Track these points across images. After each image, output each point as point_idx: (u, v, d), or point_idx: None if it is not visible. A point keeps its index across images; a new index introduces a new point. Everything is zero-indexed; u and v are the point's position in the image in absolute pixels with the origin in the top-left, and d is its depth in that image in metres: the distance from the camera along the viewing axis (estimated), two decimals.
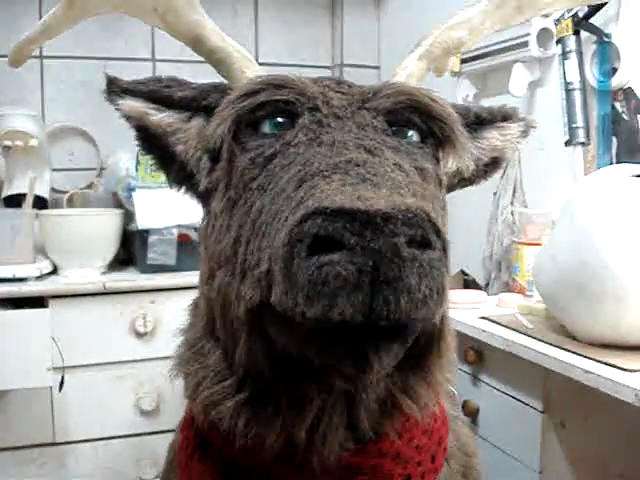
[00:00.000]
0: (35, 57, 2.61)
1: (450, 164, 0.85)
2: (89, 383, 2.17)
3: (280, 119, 0.76)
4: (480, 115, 0.94)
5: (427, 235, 0.57)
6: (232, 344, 0.74)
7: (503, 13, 0.97)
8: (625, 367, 1.29)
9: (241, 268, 0.71)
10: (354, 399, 0.74)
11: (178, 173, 0.88)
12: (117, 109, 0.87)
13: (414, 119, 0.78)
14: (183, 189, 0.90)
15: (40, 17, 2.57)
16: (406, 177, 0.70)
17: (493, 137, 0.93)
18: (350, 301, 0.56)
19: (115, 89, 0.87)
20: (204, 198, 0.86)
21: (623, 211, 1.36)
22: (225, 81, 0.90)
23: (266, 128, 0.76)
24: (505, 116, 0.95)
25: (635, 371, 1.28)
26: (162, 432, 2.25)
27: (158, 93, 0.87)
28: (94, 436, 2.20)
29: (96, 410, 2.19)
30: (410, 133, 0.79)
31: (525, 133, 0.95)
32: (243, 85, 0.79)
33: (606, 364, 1.32)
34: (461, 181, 0.93)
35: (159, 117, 0.87)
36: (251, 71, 0.88)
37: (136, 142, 0.90)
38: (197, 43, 0.91)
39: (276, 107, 0.76)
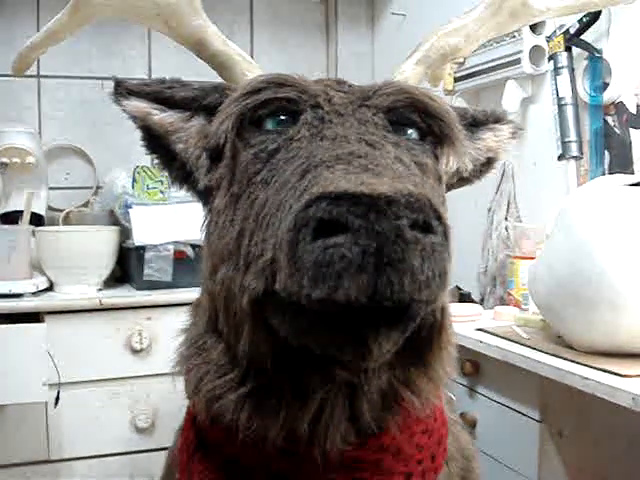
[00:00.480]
0: (32, 76, 2.64)
1: (451, 163, 0.87)
2: (84, 399, 2.16)
3: (283, 116, 0.78)
4: (476, 117, 0.97)
5: (429, 220, 0.58)
6: (235, 337, 0.75)
7: (498, 21, 1.00)
8: (622, 373, 1.30)
9: (245, 260, 0.72)
10: (356, 391, 0.75)
11: (179, 172, 0.90)
12: (123, 110, 0.90)
13: (413, 117, 0.80)
14: (185, 187, 0.91)
15: None
16: (407, 169, 0.71)
17: (488, 138, 0.96)
18: (355, 282, 0.57)
19: (121, 90, 0.89)
20: (204, 196, 0.88)
21: (618, 219, 1.38)
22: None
23: (269, 125, 0.78)
24: (497, 118, 0.98)
25: (632, 376, 1.28)
26: (157, 450, 2.23)
27: (161, 94, 0.89)
28: (89, 453, 2.18)
29: (91, 427, 2.17)
30: (410, 131, 0.81)
31: (514, 135, 0.99)
32: (246, 84, 0.81)
33: (603, 370, 1.33)
34: (459, 180, 0.95)
35: (161, 117, 0.89)
36: (252, 74, 0.90)
37: (141, 142, 0.92)
38: (200, 47, 0.93)
39: (279, 105, 0.78)
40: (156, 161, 0.92)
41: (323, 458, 0.76)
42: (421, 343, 0.76)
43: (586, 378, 1.31)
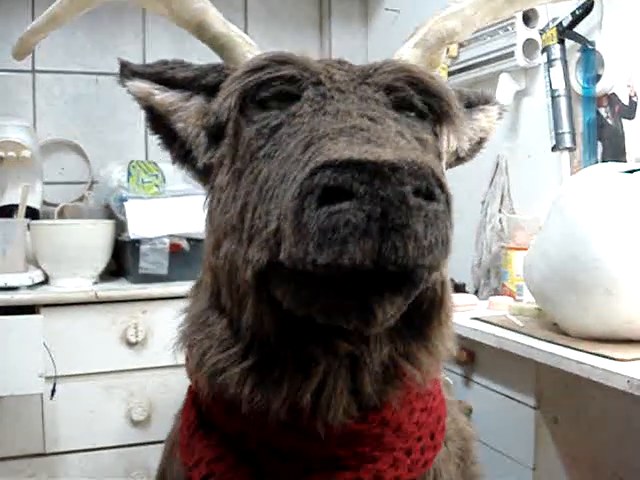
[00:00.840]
0: (27, 71, 2.65)
1: (451, 142, 0.89)
2: (80, 392, 2.16)
3: (285, 93, 0.79)
4: (470, 98, 1.00)
5: (432, 187, 0.60)
6: (238, 311, 0.76)
7: (494, 6, 1.01)
8: (617, 357, 1.31)
9: (248, 234, 0.73)
10: (358, 364, 0.76)
11: (179, 151, 0.92)
12: (127, 90, 0.91)
13: (413, 95, 0.81)
14: (185, 167, 0.93)
15: None
16: (408, 143, 0.72)
17: (481, 118, 1.00)
18: (360, 246, 0.58)
19: (126, 72, 0.92)
20: (203, 174, 0.89)
21: (612, 206, 1.39)
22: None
23: (271, 102, 0.79)
24: (486, 99, 1.02)
25: (627, 360, 1.30)
26: (153, 443, 2.24)
27: (163, 74, 0.91)
28: (84, 446, 2.18)
29: (87, 420, 2.17)
30: (410, 112, 0.82)
31: (500, 115, 1.02)
32: (248, 61, 0.83)
33: (598, 355, 1.34)
34: (456, 160, 0.98)
35: (162, 96, 0.91)
36: (253, 55, 0.91)
37: (145, 122, 0.94)
38: (201, 29, 0.95)
39: (281, 82, 0.79)
40: (158, 141, 0.94)
41: (325, 431, 0.77)
42: (422, 317, 0.77)
43: (581, 363, 1.33)
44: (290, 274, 0.65)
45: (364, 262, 0.58)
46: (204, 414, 0.91)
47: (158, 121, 0.92)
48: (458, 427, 1.05)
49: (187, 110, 0.90)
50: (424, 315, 0.77)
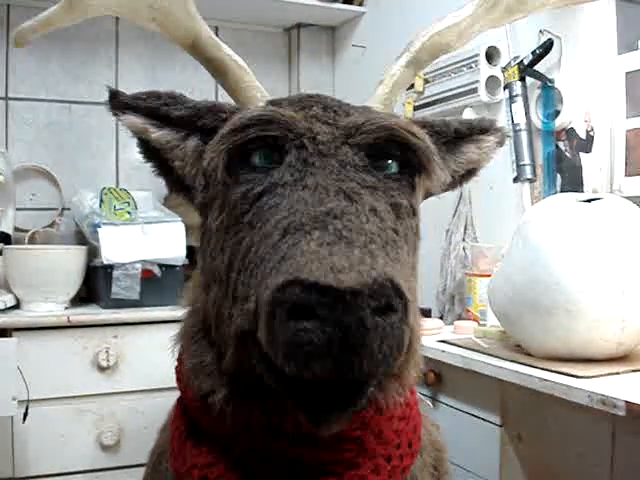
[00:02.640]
0: (1, 98, 2.68)
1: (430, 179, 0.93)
2: (50, 416, 2.16)
3: (270, 152, 0.82)
4: (459, 130, 0.98)
5: (390, 301, 0.64)
6: (224, 351, 0.81)
7: (492, 17, 1.02)
8: (577, 374, 1.38)
9: (232, 294, 0.78)
10: None
11: (175, 184, 0.95)
12: (121, 123, 0.92)
13: (393, 151, 0.84)
14: (181, 196, 0.97)
15: (6, 58, 2.64)
16: (380, 224, 0.76)
17: (470, 151, 0.98)
18: (321, 364, 0.64)
19: (117, 104, 0.91)
20: (201, 209, 0.93)
21: (571, 232, 1.48)
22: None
23: (256, 161, 0.82)
24: (482, 129, 0.99)
25: (587, 377, 1.37)
26: (123, 467, 2.25)
27: (156, 111, 0.91)
28: (54, 471, 2.18)
29: (56, 444, 2.18)
30: (390, 162, 0.84)
31: (500, 143, 1.01)
32: (235, 119, 0.84)
33: (559, 373, 1.41)
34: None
35: (158, 134, 0.92)
36: (245, 82, 0.95)
37: (138, 150, 0.95)
38: (194, 50, 0.96)
39: (265, 142, 0.82)
40: (152, 169, 0.96)
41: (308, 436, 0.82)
42: None
43: (544, 380, 1.40)
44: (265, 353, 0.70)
45: (324, 377, 0.65)
46: (194, 423, 0.95)
47: (151, 152, 0.94)
48: (432, 438, 1.11)
49: (184, 150, 0.91)
50: None
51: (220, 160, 0.82)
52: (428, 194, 0.97)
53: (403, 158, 0.84)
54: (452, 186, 1.02)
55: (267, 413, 0.81)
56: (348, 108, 0.88)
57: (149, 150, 0.94)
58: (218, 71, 0.96)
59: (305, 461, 0.86)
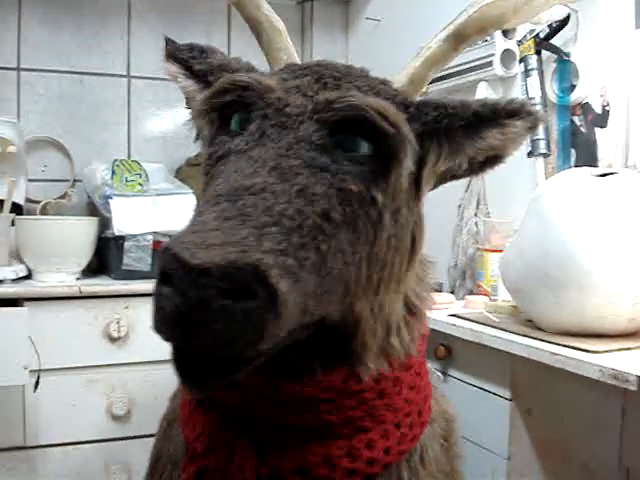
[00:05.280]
0: (12, 69, 2.67)
1: (440, 165, 0.86)
2: (61, 386, 2.18)
3: (245, 118, 0.82)
4: (480, 113, 0.87)
5: (248, 287, 0.63)
6: None
7: None
8: (589, 349, 1.38)
9: None
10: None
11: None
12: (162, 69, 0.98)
13: (364, 133, 0.79)
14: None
15: (19, 29, 2.64)
16: (304, 207, 0.73)
17: (492, 136, 0.86)
18: (171, 332, 0.65)
19: (167, 52, 0.97)
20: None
21: (586, 206, 1.47)
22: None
23: (233, 125, 0.84)
24: (510, 112, 0.86)
25: (599, 352, 1.37)
26: (133, 437, 2.27)
27: (186, 62, 0.97)
28: (65, 440, 2.20)
29: (67, 414, 2.20)
30: (359, 143, 0.79)
31: (532, 129, 0.88)
32: (219, 82, 0.85)
33: (571, 347, 1.41)
34: (453, 177, 0.91)
35: (184, 84, 0.97)
36: (277, 43, 0.99)
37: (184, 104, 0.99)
38: (238, 7, 1.00)
39: (241, 107, 0.83)
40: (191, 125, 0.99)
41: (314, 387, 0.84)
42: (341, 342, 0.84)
43: (555, 354, 1.39)
44: None
45: (178, 342, 0.66)
46: None
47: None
48: (441, 409, 1.10)
49: (196, 102, 0.94)
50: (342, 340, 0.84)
51: (201, 121, 0.86)
52: (452, 175, 0.90)
53: (374, 142, 0.79)
54: (470, 173, 0.91)
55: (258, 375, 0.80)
56: (342, 82, 0.85)
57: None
58: (256, 30, 0.99)
59: (310, 424, 0.86)
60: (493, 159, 0.89)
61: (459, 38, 0.90)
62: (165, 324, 0.64)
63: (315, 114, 0.79)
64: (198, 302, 0.62)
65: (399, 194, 0.82)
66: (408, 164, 0.81)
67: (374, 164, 0.79)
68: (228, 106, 0.83)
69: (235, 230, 0.66)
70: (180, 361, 0.69)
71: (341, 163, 0.77)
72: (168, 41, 0.97)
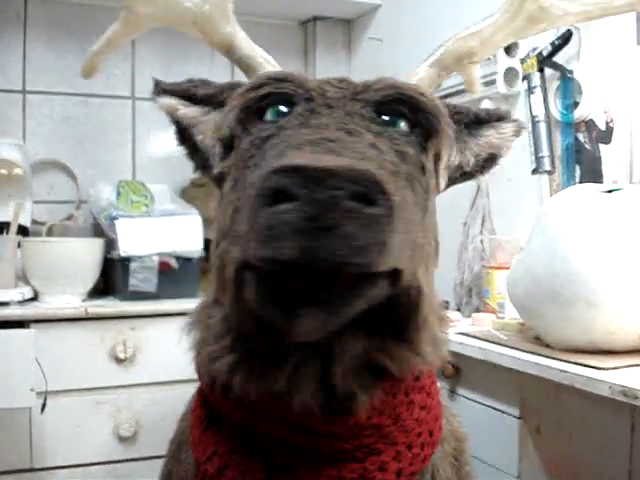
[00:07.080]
0: (18, 92, 2.69)
1: (453, 157, 0.95)
2: (67, 408, 2.18)
3: (281, 108, 0.85)
4: (479, 115, 1.02)
5: (372, 193, 0.64)
6: (227, 306, 0.81)
7: (515, 26, 1.03)
8: (598, 366, 1.38)
9: (235, 235, 0.78)
10: (331, 356, 0.78)
11: (200, 161, 0.99)
12: (157, 105, 1.00)
13: (402, 110, 0.85)
14: (205, 174, 1.00)
15: (24, 52, 2.66)
16: (379, 154, 0.76)
17: (490, 135, 1.01)
18: (293, 243, 0.62)
19: (158, 90, 1.00)
20: (219, 182, 0.95)
21: (592, 223, 1.47)
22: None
23: (269, 116, 0.85)
24: (499, 117, 1.03)
25: (608, 369, 1.36)
26: (140, 459, 2.26)
27: (188, 91, 1.00)
28: (71, 462, 2.20)
29: (74, 436, 2.19)
30: (401, 124, 0.85)
31: (517, 133, 1.03)
32: (252, 80, 0.90)
33: (580, 364, 1.40)
34: (462, 175, 1.00)
35: (185, 111, 0.99)
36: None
37: (174, 134, 1.02)
38: (230, 51, 1.02)
39: (277, 98, 0.85)
40: (184, 152, 1.02)
41: (328, 426, 0.82)
42: (398, 318, 0.81)
43: (564, 371, 1.39)
44: (254, 274, 0.70)
45: (297, 257, 0.63)
46: (214, 412, 0.95)
47: (183, 134, 1.00)
48: (452, 428, 1.10)
49: (206, 124, 0.97)
50: (401, 316, 0.81)
51: (234, 114, 0.86)
52: (462, 172, 1.00)
53: (412, 118, 0.85)
54: (476, 171, 1.02)
55: (267, 383, 0.78)
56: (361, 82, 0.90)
57: (182, 134, 1.01)
58: (250, 68, 1.00)
59: (323, 450, 0.86)
60: (492, 158, 1.02)
61: (442, 66, 1.01)
62: (286, 237, 0.62)
63: (357, 95, 0.84)
64: (328, 203, 0.61)
65: (432, 174, 0.89)
66: (446, 135, 0.88)
67: (414, 138, 0.85)
68: (263, 98, 0.85)
69: (335, 156, 0.67)
70: (287, 299, 0.67)
71: (389, 132, 0.82)
72: (157, 82, 1.00)
